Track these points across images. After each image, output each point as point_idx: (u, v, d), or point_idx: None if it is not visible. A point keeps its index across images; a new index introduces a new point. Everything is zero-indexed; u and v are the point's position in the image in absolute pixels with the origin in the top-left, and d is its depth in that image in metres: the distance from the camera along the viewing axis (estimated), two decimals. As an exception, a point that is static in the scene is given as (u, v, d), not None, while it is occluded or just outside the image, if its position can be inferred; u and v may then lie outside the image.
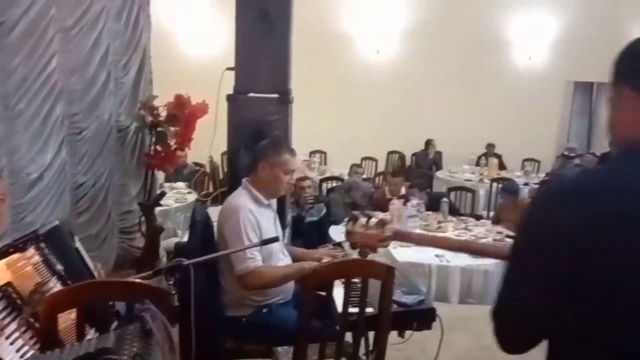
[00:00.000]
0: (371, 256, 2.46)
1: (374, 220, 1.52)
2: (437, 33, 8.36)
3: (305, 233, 4.46)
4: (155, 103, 3.76)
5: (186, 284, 1.67)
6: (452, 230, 4.33)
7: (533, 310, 0.98)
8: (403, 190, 5.19)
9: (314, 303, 1.81)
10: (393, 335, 2.15)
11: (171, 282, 1.64)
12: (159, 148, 3.62)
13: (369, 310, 1.89)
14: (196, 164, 6.64)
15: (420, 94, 8.48)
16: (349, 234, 1.56)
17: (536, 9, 8.53)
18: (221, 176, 6.79)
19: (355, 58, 8.46)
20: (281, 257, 2.39)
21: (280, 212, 2.99)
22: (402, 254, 3.59)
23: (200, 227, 2.36)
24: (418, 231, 4.17)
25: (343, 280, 1.90)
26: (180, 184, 5.54)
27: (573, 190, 0.95)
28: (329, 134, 8.19)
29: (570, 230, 0.91)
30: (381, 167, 8.25)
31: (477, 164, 7.85)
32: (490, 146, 8.18)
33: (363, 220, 1.54)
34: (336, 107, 8.29)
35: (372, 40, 8.43)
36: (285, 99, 3.15)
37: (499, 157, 7.79)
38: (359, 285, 2.00)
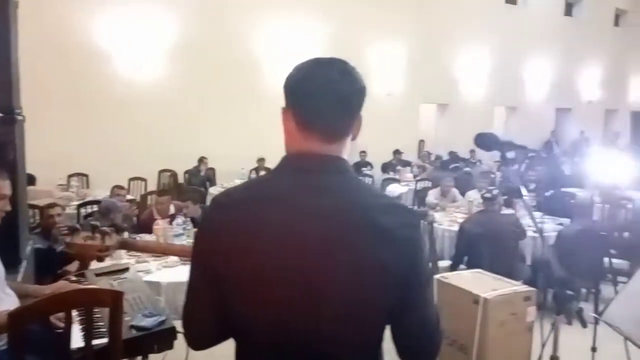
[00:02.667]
0: (117, 283, 2.34)
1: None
2: (202, 52, 8.48)
3: (59, 265, 4.02)
4: None
5: None
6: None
7: (203, 310, 1.06)
8: (172, 209, 5.08)
9: (31, 342, 1.62)
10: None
11: None
12: None
13: (104, 341, 1.78)
14: None
15: (190, 112, 8.47)
16: (68, 245, 1.50)
17: (303, 33, 9.30)
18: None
19: (117, 74, 8.02)
20: (2, 297, 2.08)
21: (13, 244, 2.64)
22: (166, 275, 3.51)
23: None
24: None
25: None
26: None
27: (224, 200, 1.06)
28: (90, 154, 7.57)
29: (214, 235, 1.03)
30: (152, 187, 7.94)
31: (250, 178, 8.14)
32: (260, 160, 8.57)
33: (85, 232, 1.50)
34: (98, 125, 7.73)
35: (135, 57, 8.09)
36: (11, 119, 2.79)
37: (268, 170, 8.20)
38: (98, 316, 1.88)
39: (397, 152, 10.15)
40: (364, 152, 9.84)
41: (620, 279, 4.62)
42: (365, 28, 10.32)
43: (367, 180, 8.20)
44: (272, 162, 8.79)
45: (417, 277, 1.04)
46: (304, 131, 1.04)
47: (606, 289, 4.51)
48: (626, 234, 5.64)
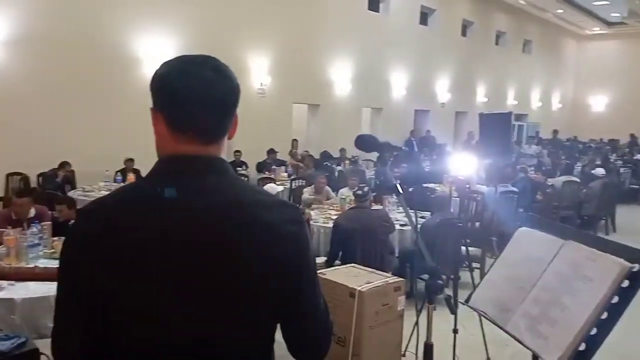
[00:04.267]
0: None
1: None
2: (59, 45, 7.73)
3: None
4: None
5: None
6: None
7: (75, 331, 0.98)
8: (32, 212, 4.59)
9: None
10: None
11: None
12: None
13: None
14: None
15: (46, 109, 7.67)
16: None
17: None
18: None
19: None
20: None
21: None
22: (20, 290, 3.16)
23: None
24: (42, 261, 3.77)
25: None
26: None
27: (95, 208, 1.00)
28: None
29: (86, 246, 0.95)
30: (-1, 192, 7.08)
31: (124, 179, 7.60)
32: (129, 161, 8.06)
33: None
34: None
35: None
36: None
37: (137, 171, 7.76)
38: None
39: (271, 152, 10.22)
40: (238, 151, 9.75)
41: (474, 265, 5.14)
42: (238, 28, 10.23)
43: (243, 179, 8.13)
44: (141, 163, 8.34)
45: (305, 272, 1.05)
46: (178, 133, 0.99)
47: (464, 275, 4.97)
48: (477, 224, 6.30)
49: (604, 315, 1.34)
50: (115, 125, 8.29)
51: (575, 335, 1.33)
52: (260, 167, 9.53)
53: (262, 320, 1.03)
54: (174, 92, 0.99)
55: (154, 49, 8.67)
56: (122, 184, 7.13)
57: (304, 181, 7.98)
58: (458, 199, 6.69)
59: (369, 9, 13.81)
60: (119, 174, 7.74)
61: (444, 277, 5.17)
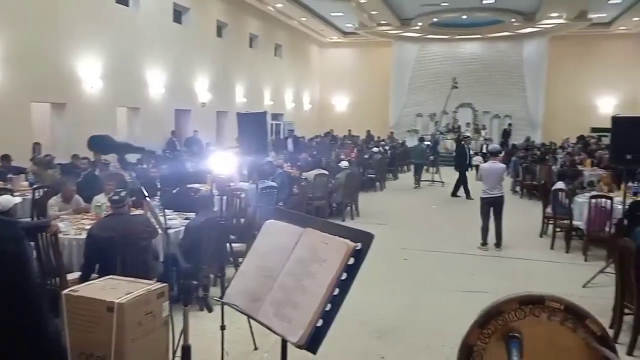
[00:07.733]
0: None
1: None
2: None
3: None
4: None
5: None
6: None
7: None
8: None
9: None
10: None
11: None
12: None
13: None
14: None
15: None
16: None
17: None
18: None
19: None
20: None
21: None
22: None
23: None
24: None
25: None
26: None
27: None
28: None
29: None
30: None
31: None
32: None
33: None
34: None
35: None
36: None
37: None
38: None
39: (4, 158, 8.77)
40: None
41: (240, 260, 5.30)
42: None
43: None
44: None
45: (24, 294, 0.93)
46: None
47: (230, 272, 5.10)
48: (242, 220, 6.52)
49: (336, 292, 1.53)
50: None
51: (314, 313, 1.49)
52: (-10, 176, 8.10)
53: None
54: None
55: None
56: None
57: (49, 189, 7.08)
58: (220, 197, 6.81)
59: (117, 2, 12.95)
60: None
61: (211, 275, 5.21)
